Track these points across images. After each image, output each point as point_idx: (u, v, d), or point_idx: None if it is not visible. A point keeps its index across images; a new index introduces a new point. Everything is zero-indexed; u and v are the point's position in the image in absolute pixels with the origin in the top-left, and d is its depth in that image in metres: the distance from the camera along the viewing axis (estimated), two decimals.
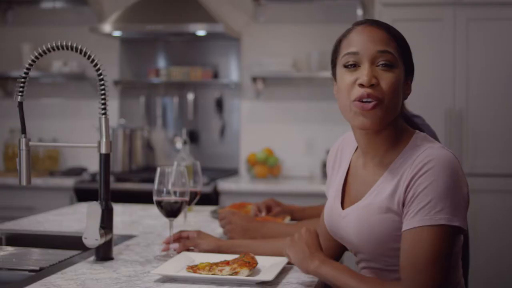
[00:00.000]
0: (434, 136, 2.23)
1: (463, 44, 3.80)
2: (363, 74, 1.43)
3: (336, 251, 1.71)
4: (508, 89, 3.79)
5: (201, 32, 4.21)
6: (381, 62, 1.44)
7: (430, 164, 1.38)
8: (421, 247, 1.35)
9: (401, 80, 1.46)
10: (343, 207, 1.57)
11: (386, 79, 1.43)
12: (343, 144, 1.68)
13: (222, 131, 4.58)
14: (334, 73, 1.53)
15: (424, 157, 1.40)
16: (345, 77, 1.46)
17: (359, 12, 4.27)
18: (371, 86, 1.42)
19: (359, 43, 1.45)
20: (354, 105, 1.44)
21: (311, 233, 1.58)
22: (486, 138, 3.80)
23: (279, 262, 1.69)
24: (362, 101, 1.43)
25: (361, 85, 1.43)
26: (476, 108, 3.80)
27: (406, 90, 1.50)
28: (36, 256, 1.94)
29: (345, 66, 1.47)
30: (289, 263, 1.72)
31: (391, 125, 1.49)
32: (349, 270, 1.47)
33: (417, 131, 1.53)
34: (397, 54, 1.45)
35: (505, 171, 3.79)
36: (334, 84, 1.54)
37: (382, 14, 3.82)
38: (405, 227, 1.39)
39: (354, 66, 1.45)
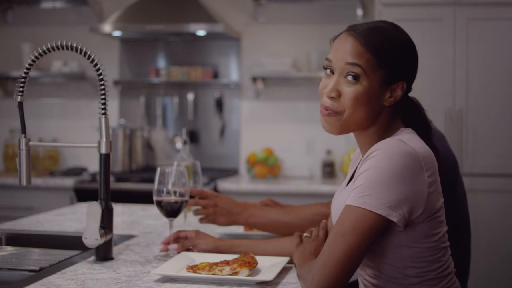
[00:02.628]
0: (442, 137, 2.16)
1: (463, 44, 3.80)
2: (329, 85, 1.51)
3: None
4: (508, 89, 3.79)
5: (201, 32, 4.21)
6: (348, 76, 1.48)
7: (375, 152, 1.44)
8: (341, 222, 1.42)
9: (372, 90, 1.48)
10: None
11: (348, 93, 1.49)
12: None
13: (222, 131, 4.58)
14: None
15: (377, 146, 1.45)
16: (323, 81, 1.55)
17: (359, 12, 4.27)
18: (331, 98, 1.50)
19: (335, 51, 1.52)
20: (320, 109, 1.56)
21: (316, 242, 1.66)
22: (486, 138, 3.80)
23: (279, 262, 1.69)
24: (323, 107, 1.53)
25: (325, 94, 1.52)
26: (476, 108, 3.80)
27: (389, 97, 1.51)
28: (36, 256, 1.94)
29: (325, 69, 1.54)
30: (289, 262, 1.72)
31: (375, 125, 1.54)
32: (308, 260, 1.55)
33: (402, 128, 1.54)
34: (369, 65, 1.47)
35: (505, 171, 3.78)
36: None
37: (382, 14, 3.82)
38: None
39: (332, 72, 1.52)
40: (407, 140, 1.46)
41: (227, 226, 2.08)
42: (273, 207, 2.13)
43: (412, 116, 1.59)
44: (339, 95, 1.49)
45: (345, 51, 1.49)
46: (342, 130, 1.53)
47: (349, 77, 1.48)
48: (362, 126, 1.52)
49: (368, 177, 1.41)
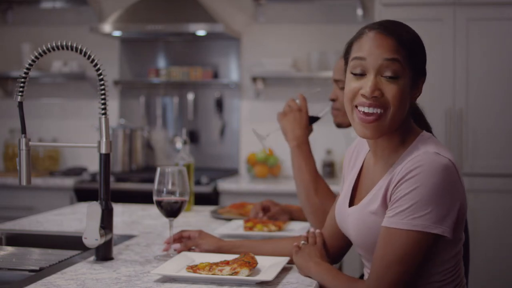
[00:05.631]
0: None
1: (463, 44, 3.79)
2: (367, 85, 1.45)
3: (340, 249, 1.76)
4: (508, 89, 3.79)
5: (201, 32, 4.21)
6: (387, 74, 1.44)
7: (418, 170, 1.40)
8: (393, 247, 1.39)
9: (407, 88, 1.47)
10: (352, 205, 1.61)
11: (390, 91, 1.44)
12: (360, 143, 1.72)
13: (222, 131, 4.58)
14: (345, 71, 1.56)
15: (415, 162, 1.41)
16: (351, 83, 1.48)
17: (359, 12, 4.27)
18: (374, 98, 1.44)
19: (368, 49, 1.46)
20: (357, 114, 1.47)
21: (316, 247, 1.68)
22: (486, 138, 3.80)
23: (279, 262, 1.69)
24: (364, 112, 1.45)
25: (364, 96, 1.45)
26: (476, 108, 3.80)
27: (415, 94, 1.52)
28: (36, 256, 1.94)
29: (353, 73, 1.48)
30: (289, 262, 1.72)
31: (399, 128, 1.51)
32: (331, 269, 1.56)
33: (423, 132, 1.54)
34: (405, 62, 1.45)
35: (505, 171, 3.78)
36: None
37: (382, 14, 3.82)
38: (383, 223, 1.43)
39: (361, 74, 1.47)
40: (439, 150, 1.44)
41: (282, 131, 2.21)
42: (314, 168, 2.12)
43: (417, 115, 1.61)
44: (382, 94, 1.45)
45: (380, 48, 1.45)
46: (384, 132, 1.48)
47: (388, 75, 1.44)
48: (397, 125, 1.48)
49: (415, 197, 1.38)
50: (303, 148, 2.12)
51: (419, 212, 1.38)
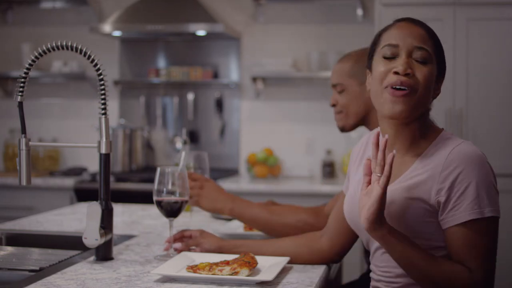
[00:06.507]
0: None
1: (463, 44, 3.79)
2: (399, 63, 1.51)
3: (344, 247, 1.77)
4: (508, 89, 3.79)
5: (201, 32, 4.21)
6: (418, 57, 1.51)
7: (468, 160, 1.46)
8: (481, 237, 1.51)
9: (434, 76, 1.54)
10: None
11: (421, 71, 1.51)
12: (369, 141, 1.72)
13: (222, 131, 4.58)
14: (369, 65, 1.60)
15: (460, 155, 1.47)
16: (382, 65, 1.53)
17: (359, 12, 4.27)
18: (406, 75, 1.49)
19: (399, 36, 1.53)
20: (386, 92, 1.51)
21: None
22: (486, 138, 3.79)
23: (279, 262, 1.69)
24: (395, 89, 1.50)
25: (396, 73, 1.50)
26: (476, 108, 3.80)
27: (436, 90, 1.58)
28: (36, 256, 1.94)
29: (384, 57, 1.54)
30: (289, 262, 1.72)
31: (419, 119, 1.55)
32: (417, 246, 1.48)
33: (443, 130, 1.59)
34: (433, 52, 1.54)
35: (505, 171, 3.78)
36: (369, 75, 1.61)
37: (382, 14, 3.82)
38: (456, 221, 1.47)
39: (392, 57, 1.53)
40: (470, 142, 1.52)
41: (211, 212, 2.10)
42: (259, 204, 2.12)
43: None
44: (413, 74, 1.50)
45: (413, 35, 1.52)
46: (411, 111, 1.51)
47: (418, 58, 1.51)
48: (422, 109, 1.53)
49: (478, 188, 1.46)
50: (237, 205, 2.05)
51: (485, 200, 1.47)
